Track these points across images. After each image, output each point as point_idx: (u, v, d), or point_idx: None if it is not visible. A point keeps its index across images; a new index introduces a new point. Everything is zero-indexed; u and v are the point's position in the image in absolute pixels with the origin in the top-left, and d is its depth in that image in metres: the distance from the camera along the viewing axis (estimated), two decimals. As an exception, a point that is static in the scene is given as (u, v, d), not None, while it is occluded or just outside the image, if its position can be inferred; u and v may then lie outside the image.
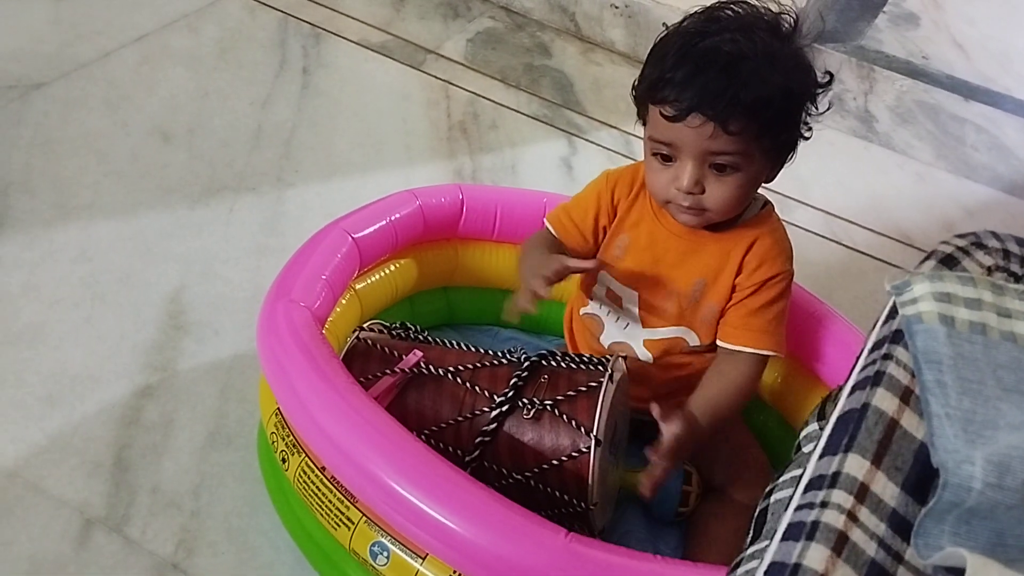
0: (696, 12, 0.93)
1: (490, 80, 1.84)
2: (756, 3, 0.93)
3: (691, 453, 0.95)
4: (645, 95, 0.93)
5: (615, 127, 1.77)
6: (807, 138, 0.95)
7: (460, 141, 1.65)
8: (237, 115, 1.57)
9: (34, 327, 1.14)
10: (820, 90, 0.94)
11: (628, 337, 1.03)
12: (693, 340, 1.02)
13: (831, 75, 0.95)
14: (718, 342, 1.00)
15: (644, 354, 1.03)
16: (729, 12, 0.92)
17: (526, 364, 0.93)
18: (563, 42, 2.03)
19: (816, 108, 0.94)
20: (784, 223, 1.02)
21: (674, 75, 0.89)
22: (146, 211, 1.34)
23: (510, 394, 0.90)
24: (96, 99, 1.52)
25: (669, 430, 0.88)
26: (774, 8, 0.93)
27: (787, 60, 0.90)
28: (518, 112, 1.76)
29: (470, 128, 1.69)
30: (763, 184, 0.97)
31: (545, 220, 1.07)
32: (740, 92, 0.86)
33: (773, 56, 0.89)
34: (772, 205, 1.02)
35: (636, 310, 1.02)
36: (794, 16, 0.93)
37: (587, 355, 0.97)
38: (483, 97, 1.78)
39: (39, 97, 1.50)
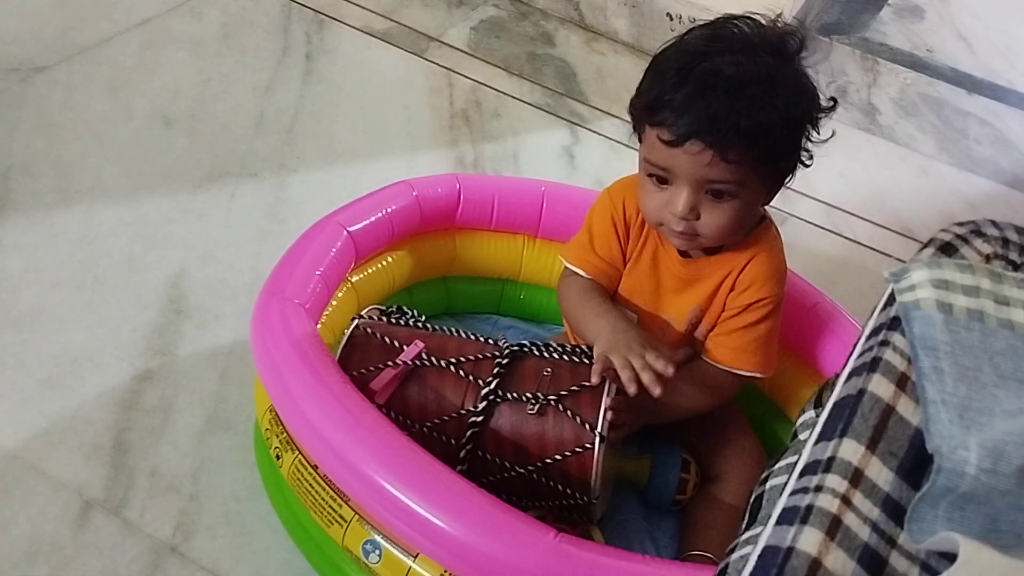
0: (700, 26, 0.90)
1: (493, 68, 1.83)
2: (762, 19, 0.90)
3: (641, 423, 0.97)
4: (642, 114, 0.91)
5: (617, 117, 1.77)
6: (807, 165, 0.93)
7: (462, 129, 1.65)
8: (239, 101, 1.57)
9: (35, 310, 1.14)
10: (822, 115, 0.91)
11: None
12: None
13: (835, 100, 0.92)
14: (702, 356, 1.01)
15: None
16: (734, 28, 0.89)
17: (507, 352, 0.92)
18: (567, 31, 2.03)
19: (818, 133, 0.91)
20: (786, 215, 1.01)
21: (673, 97, 0.86)
22: (147, 195, 1.34)
23: (492, 384, 0.89)
24: (98, 83, 1.52)
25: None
26: (780, 26, 0.90)
27: (790, 84, 0.87)
28: (521, 101, 1.76)
29: (472, 116, 1.69)
30: (760, 207, 0.96)
31: (571, 266, 1.02)
32: (741, 119, 0.84)
33: (775, 80, 0.86)
34: (770, 219, 1.00)
35: None
36: (800, 36, 0.89)
37: (588, 346, 0.97)
38: (486, 85, 1.77)
39: (41, 80, 1.49)
